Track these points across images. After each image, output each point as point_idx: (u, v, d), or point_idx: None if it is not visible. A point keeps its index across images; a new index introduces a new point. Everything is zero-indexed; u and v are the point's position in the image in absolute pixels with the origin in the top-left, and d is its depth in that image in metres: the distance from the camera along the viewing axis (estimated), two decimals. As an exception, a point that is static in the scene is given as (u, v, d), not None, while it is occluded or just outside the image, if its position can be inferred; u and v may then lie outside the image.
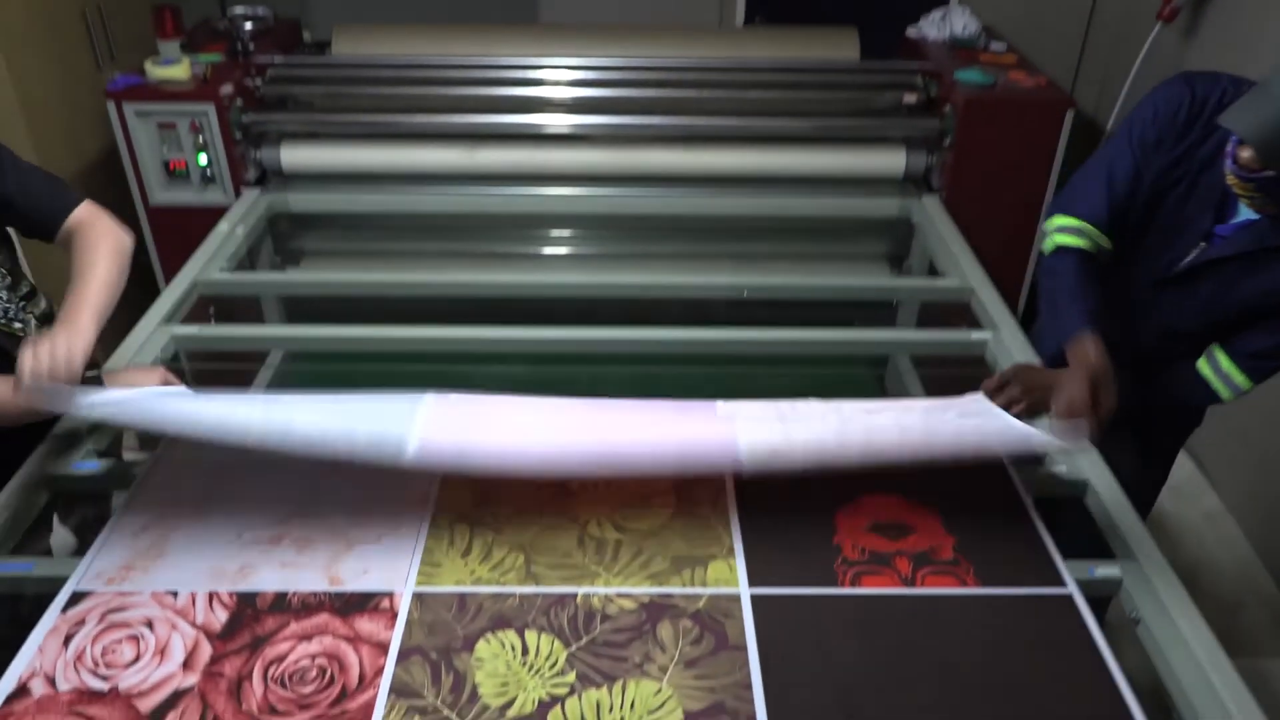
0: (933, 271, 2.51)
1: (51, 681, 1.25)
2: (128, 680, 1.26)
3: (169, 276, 2.27)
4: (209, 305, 2.20)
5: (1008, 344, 1.99)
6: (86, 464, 1.61)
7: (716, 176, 2.79)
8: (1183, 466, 2.85)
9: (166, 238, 2.81)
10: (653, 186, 2.80)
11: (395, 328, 2.07)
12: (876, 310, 2.72)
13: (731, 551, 1.46)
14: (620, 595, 1.39)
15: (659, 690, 1.27)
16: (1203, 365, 1.65)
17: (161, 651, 1.29)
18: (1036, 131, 2.67)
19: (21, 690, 1.24)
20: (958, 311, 2.25)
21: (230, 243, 2.40)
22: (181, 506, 1.54)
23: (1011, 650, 1.33)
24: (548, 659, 1.30)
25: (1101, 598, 1.47)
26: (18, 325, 1.60)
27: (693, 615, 1.37)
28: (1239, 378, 1.63)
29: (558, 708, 1.24)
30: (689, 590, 1.40)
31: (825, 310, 2.48)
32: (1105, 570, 1.45)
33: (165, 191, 2.76)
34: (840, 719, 1.23)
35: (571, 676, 1.28)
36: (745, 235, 2.90)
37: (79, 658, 1.28)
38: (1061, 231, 1.62)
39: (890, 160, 2.79)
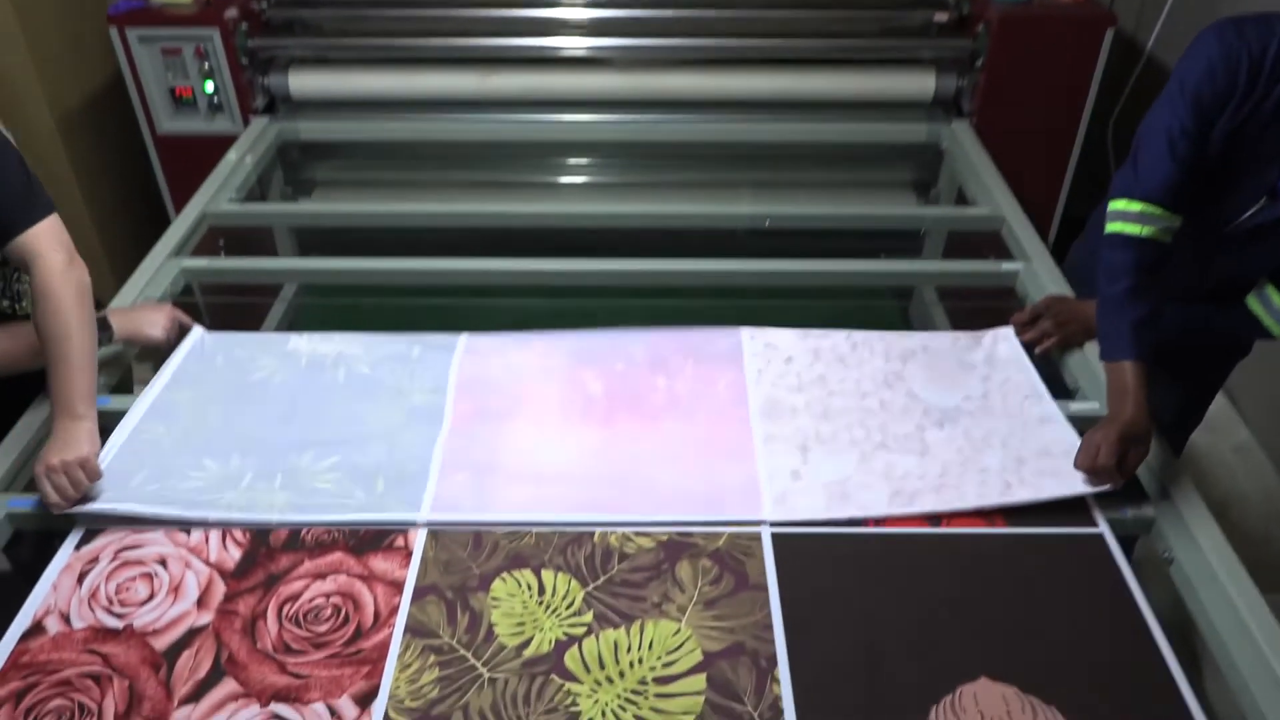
0: (961, 200, 2.43)
1: (66, 619, 1.25)
2: (142, 618, 1.25)
3: (178, 208, 2.21)
4: (219, 237, 2.15)
5: (1040, 275, 1.92)
6: (102, 399, 1.57)
7: (738, 101, 2.68)
8: (1214, 400, 2.79)
9: (175, 168, 2.75)
10: (672, 112, 2.70)
11: (410, 260, 2.03)
12: (903, 240, 2.64)
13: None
14: (638, 534, 1.37)
15: (678, 631, 1.25)
16: (1252, 301, 1.55)
17: (175, 589, 1.28)
18: (1074, 51, 2.54)
19: (37, 628, 1.24)
20: (987, 241, 2.17)
21: (239, 172, 2.34)
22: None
23: (1039, 590, 1.30)
24: (564, 598, 1.28)
25: (1128, 536, 1.44)
26: (5, 303, 1.57)
27: (712, 554, 1.34)
28: None
29: (575, 648, 1.22)
30: (708, 529, 1.37)
31: (850, 240, 2.40)
32: (1138, 510, 1.41)
33: (172, 120, 2.70)
34: (863, 661, 1.21)
35: (589, 616, 1.26)
36: (767, 162, 2.81)
37: (93, 595, 1.27)
38: (1123, 219, 1.47)
39: (919, 83, 2.66)
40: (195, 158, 2.45)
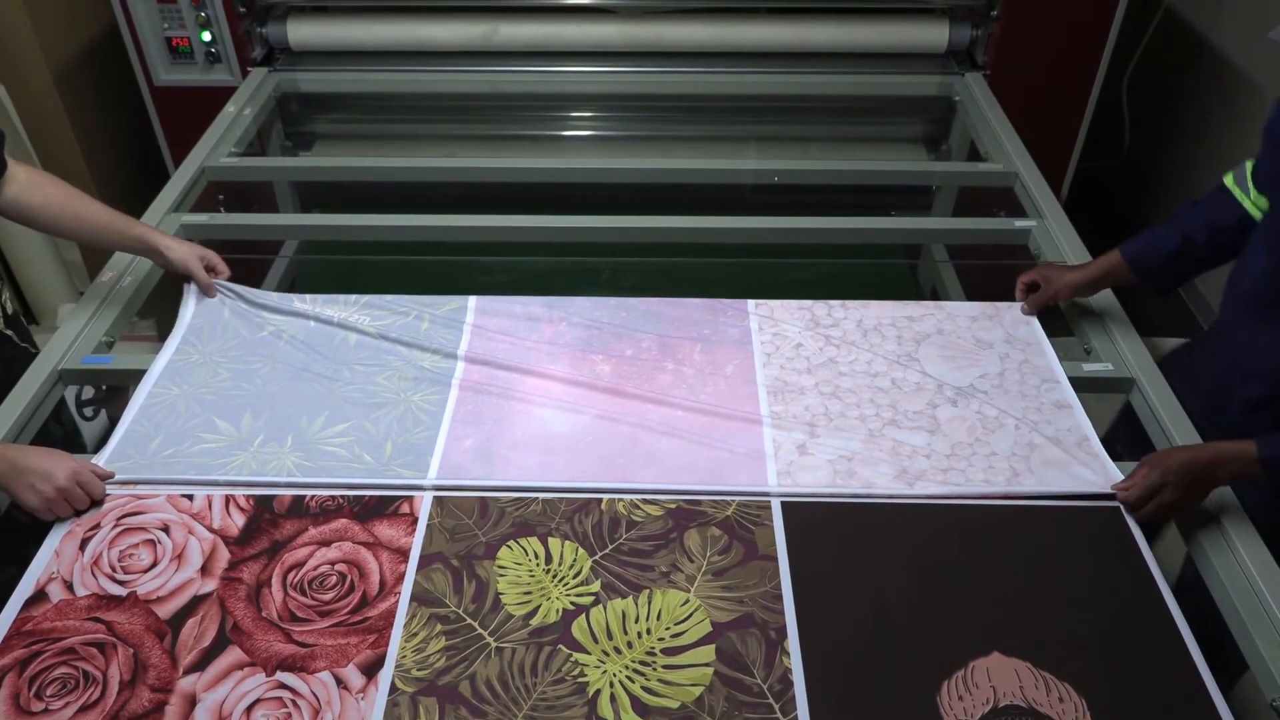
0: (974, 155, 2.37)
1: (69, 586, 1.24)
2: (146, 585, 1.24)
3: (177, 160, 2.17)
4: (218, 192, 2.11)
5: (1053, 233, 1.89)
6: (98, 358, 1.58)
7: (746, 52, 2.61)
8: None
9: (173, 120, 2.69)
10: (679, 64, 2.63)
11: (413, 216, 1.98)
12: (913, 196, 2.58)
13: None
14: (646, 502, 1.35)
15: (686, 601, 1.23)
16: None
17: (179, 557, 1.27)
18: (1091, 3, 2.47)
19: (39, 595, 1.23)
20: (1000, 198, 2.12)
21: (238, 125, 2.29)
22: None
23: (1053, 562, 1.28)
24: (572, 567, 1.27)
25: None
26: None
27: (721, 523, 1.32)
28: None
29: (582, 617, 1.21)
30: (717, 497, 1.35)
31: (859, 196, 2.37)
32: None
33: (169, 71, 2.64)
34: (873, 634, 1.20)
35: (596, 586, 1.25)
36: (776, 116, 2.75)
37: (95, 562, 1.26)
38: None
39: (932, 33, 2.58)
40: (193, 110, 2.41)
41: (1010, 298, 1.72)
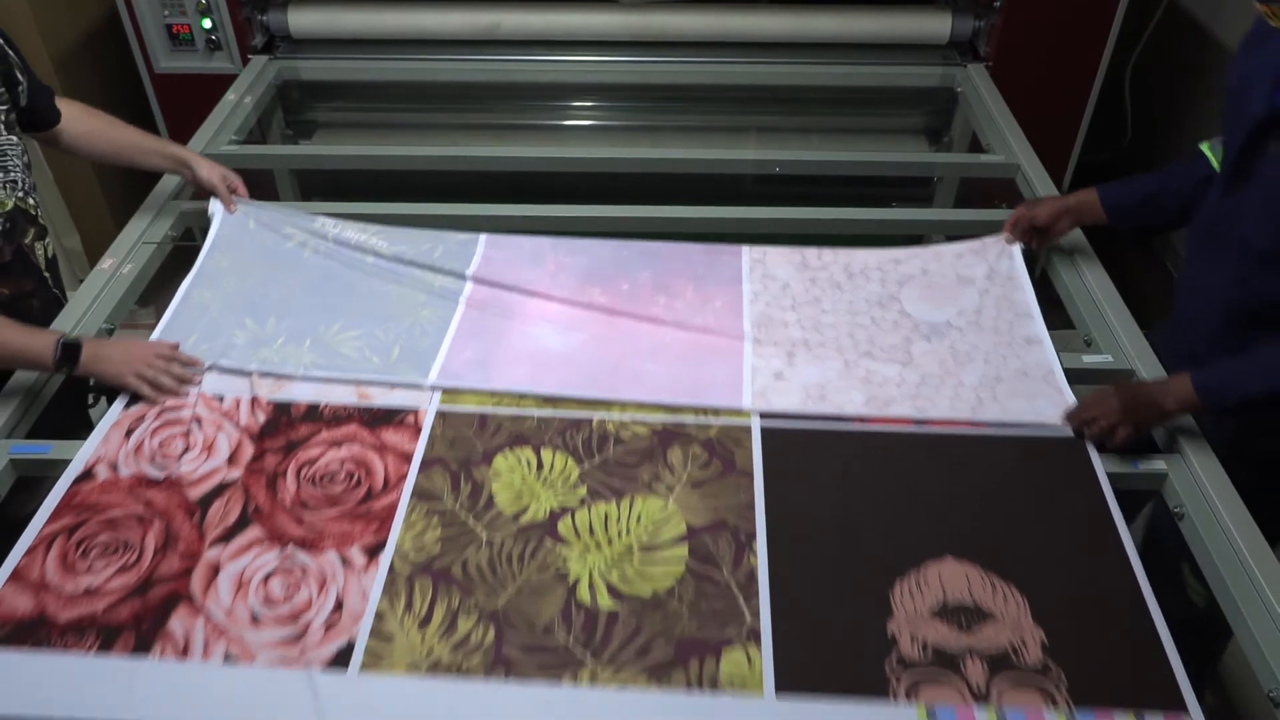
0: (975, 146, 2.36)
1: (114, 467, 1.38)
2: (180, 470, 1.37)
3: None
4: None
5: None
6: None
7: (748, 42, 2.59)
8: None
9: (173, 108, 2.67)
10: (681, 53, 2.61)
11: (414, 204, 1.99)
12: (914, 187, 2.62)
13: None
14: (635, 422, 1.46)
15: (665, 506, 1.34)
16: None
17: (209, 448, 1.40)
18: (1097, -7, 2.43)
19: (88, 474, 1.36)
20: (1001, 189, 2.13)
21: (238, 114, 2.27)
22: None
23: (1013, 485, 1.37)
24: (561, 474, 1.38)
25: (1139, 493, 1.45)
26: (32, 201, 1.64)
27: (704, 443, 1.43)
28: None
29: (567, 517, 1.32)
30: (701, 420, 1.46)
31: (860, 186, 2.38)
32: (1150, 464, 1.41)
33: (170, 59, 2.61)
34: (836, 540, 1.29)
35: (583, 491, 1.36)
36: (777, 106, 2.72)
37: (138, 449, 1.40)
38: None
39: (935, 24, 2.56)
40: (193, 98, 2.40)
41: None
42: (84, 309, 1.66)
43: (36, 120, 1.66)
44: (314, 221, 1.80)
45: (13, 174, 1.57)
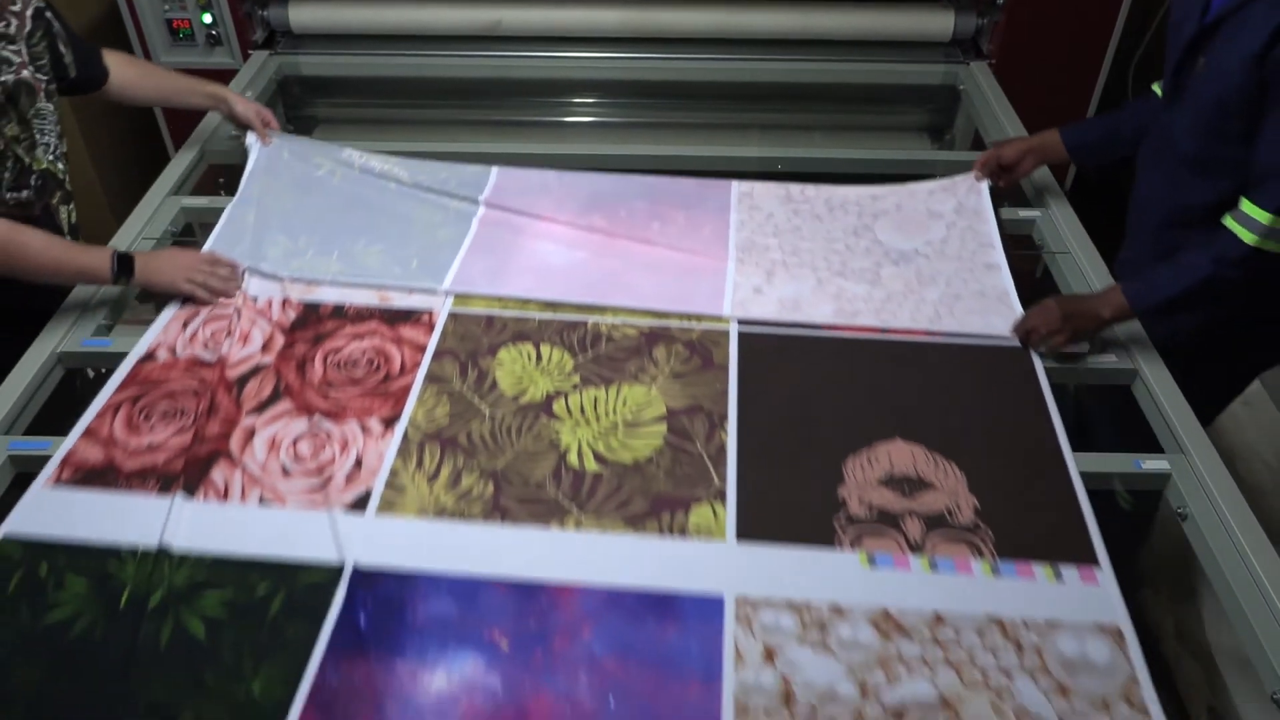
0: (978, 144, 2.34)
1: (173, 351, 1.56)
2: (223, 354, 1.55)
3: (177, 144, 2.18)
4: (219, 175, 2.08)
5: (1057, 222, 1.90)
6: (97, 340, 1.62)
7: (750, 38, 2.60)
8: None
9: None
10: (683, 50, 2.61)
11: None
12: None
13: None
14: (625, 325, 1.63)
15: (648, 393, 1.51)
16: (1226, 217, 1.49)
17: (245, 337, 1.59)
18: (1100, -9, 2.45)
19: (150, 356, 1.55)
20: (1006, 195, 2.05)
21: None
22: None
23: (963, 384, 1.53)
24: (558, 365, 1.55)
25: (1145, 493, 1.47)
26: (61, 166, 1.73)
27: (686, 343, 1.60)
28: (1252, 209, 1.44)
29: (561, 399, 1.49)
30: (685, 325, 1.63)
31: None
32: (1153, 464, 1.41)
33: (170, 54, 2.63)
34: (798, 423, 1.46)
35: (576, 379, 1.53)
36: (779, 103, 2.71)
37: (193, 338, 1.59)
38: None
39: (937, 21, 2.57)
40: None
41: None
42: (83, 305, 1.67)
43: (86, 84, 1.78)
44: (341, 152, 1.99)
45: (47, 137, 1.66)
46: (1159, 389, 1.53)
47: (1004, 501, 1.35)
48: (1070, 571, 1.25)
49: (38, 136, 1.65)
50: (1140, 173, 1.72)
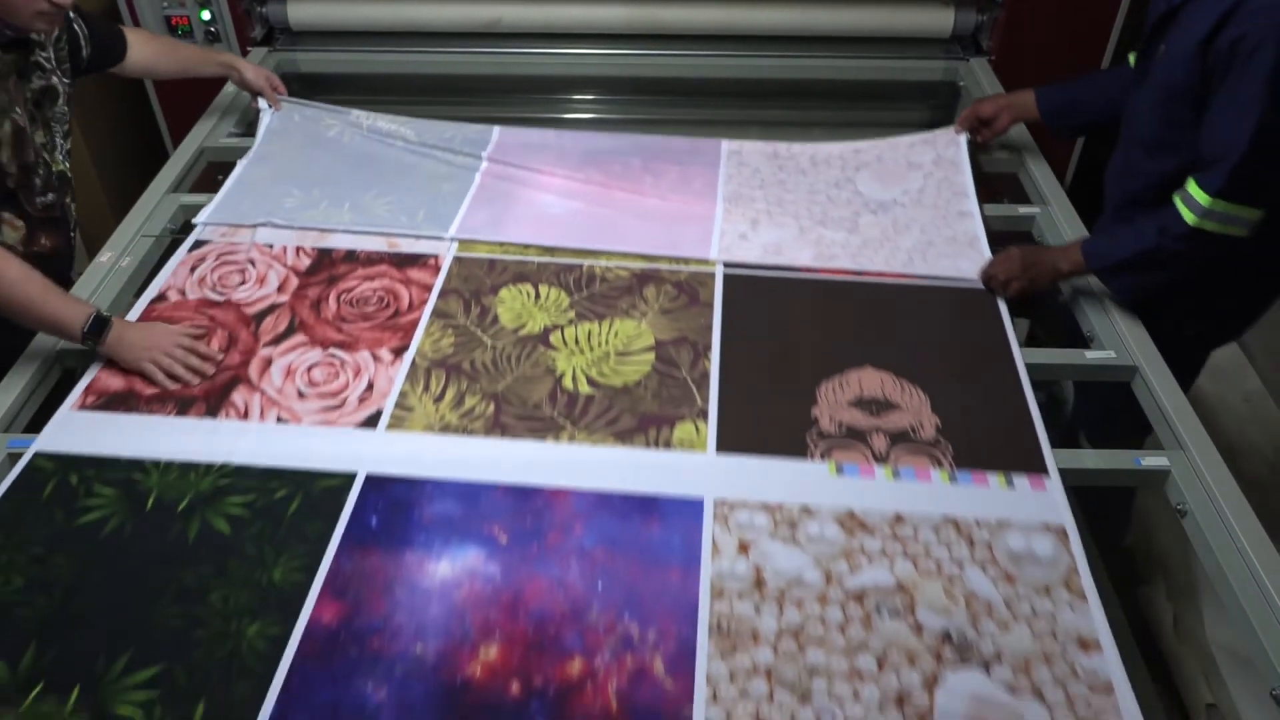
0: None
1: (182, 293, 1.67)
2: (237, 295, 1.67)
3: (176, 141, 2.20)
4: (217, 173, 2.05)
5: (1057, 219, 1.90)
6: None
7: (749, 35, 2.59)
8: (1223, 348, 2.56)
9: (172, 100, 2.64)
10: (682, 46, 2.60)
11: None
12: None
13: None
14: (618, 267, 1.75)
15: (638, 326, 1.62)
16: (1175, 194, 1.56)
17: (261, 280, 1.70)
18: (1100, -13, 2.40)
19: (161, 297, 1.67)
20: (1004, 184, 2.11)
21: (238, 105, 2.27)
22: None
23: (932, 320, 1.65)
24: (555, 302, 1.67)
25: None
26: (68, 165, 1.73)
27: (674, 283, 1.71)
28: (1195, 191, 1.51)
29: (558, 332, 1.61)
30: (674, 267, 1.75)
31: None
32: (1153, 460, 1.41)
33: None
34: (776, 353, 1.57)
35: (571, 314, 1.65)
36: (778, 99, 2.69)
37: (201, 281, 1.70)
38: (1230, 221, 1.50)
39: (937, 17, 2.53)
40: (193, 90, 2.34)
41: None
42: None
43: (106, 60, 1.83)
44: (350, 114, 2.11)
45: (60, 139, 1.69)
46: (1159, 386, 1.53)
47: (964, 421, 1.46)
48: (1021, 480, 1.37)
49: (57, 139, 1.68)
50: (1115, 148, 1.81)
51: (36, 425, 1.48)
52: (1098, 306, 1.70)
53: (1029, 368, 1.55)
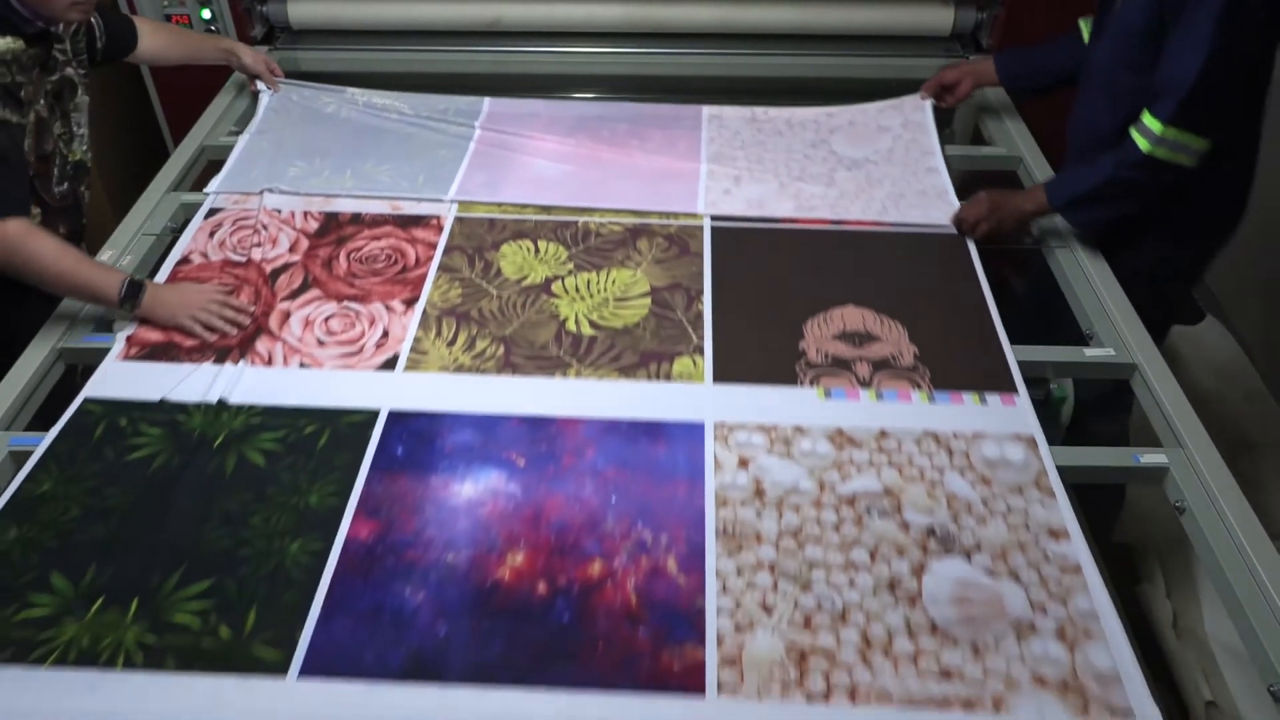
0: (978, 139, 2.36)
1: (205, 255, 1.76)
2: (256, 255, 1.76)
3: (177, 140, 2.22)
4: (217, 171, 2.04)
5: (1056, 218, 1.84)
6: (98, 336, 1.62)
7: (750, 33, 2.60)
8: (1225, 346, 2.67)
9: (173, 99, 2.66)
10: (683, 45, 2.62)
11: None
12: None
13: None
14: (612, 223, 1.86)
15: (634, 275, 1.74)
16: (1131, 127, 1.66)
17: (274, 241, 1.79)
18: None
19: (184, 260, 1.76)
20: (1004, 181, 2.11)
21: (238, 104, 2.28)
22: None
23: (908, 262, 1.78)
24: (554, 256, 1.78)
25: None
26: (89, 155, 1.81)
27: (665, 236, 1.83)
28: (1149, 120, 1.62)
29: (559, 281, 1.72)
30: (664, 221, 1.86)
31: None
32: (1151, 458, 1.41)
33: None
34: (764, 295, 1.69)
35: (570, 266, 1.75)
36: (779, 98, 2.54)
37: (221, 244, 1.79)
38: (1179, 150, 1.61)
39: (937, 15, 2.52)
40: (193, 88, 2.37)
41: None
42: (85, 301, 1.64)
43: (119, 51, 1.89)
44: (345, 93, 2.21)
45: (81, 129, 1.76)
46: (1158, 383, 1.53)
47: (940, 349, 1.59)
48: (993, 397, 1.50)
49: (74, 129, 1.74)
50: (1075, 105, 1.94)
51: (36, 424, 1.51)
52: (1095, 304, 1.70)
53: (1027, 364, 1.58)
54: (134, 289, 1.55)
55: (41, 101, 1.64)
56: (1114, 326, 1.65)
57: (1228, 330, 2.60)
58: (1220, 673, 1.55)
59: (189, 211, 1.92)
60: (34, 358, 1.56)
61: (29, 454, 1.40)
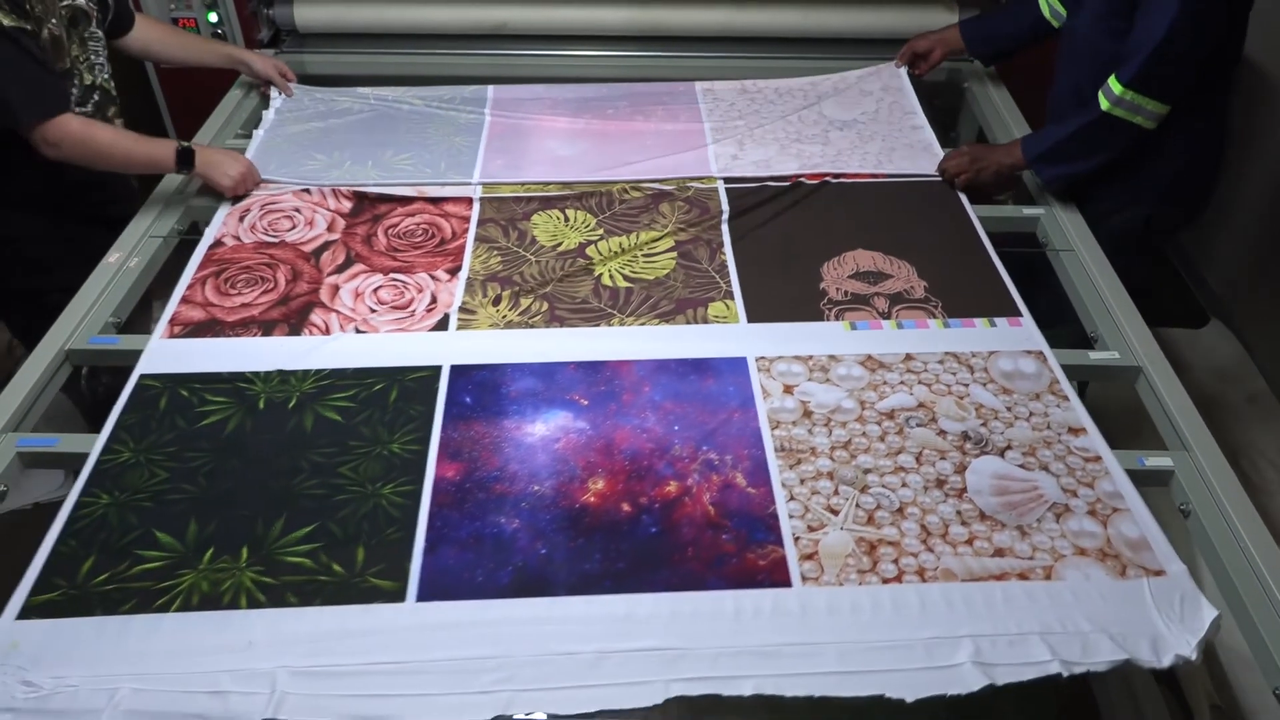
0: (981, 142, 2.33)
1: (238, 237, 1.83)
2: (290, 237, 1.83)
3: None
4: None
5: (1061, 221, 1.92)
6: (105, 338, 1.63)
7: (754, 37, 2.63)
8: (1227, 349, 2.73)
9: (179, 102, 2.70)
10: (687, 48, 2.64)
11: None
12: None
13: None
14: (634, 189, 1.97)
15: (660, 234, 1.85)
16: (1100, 93, 1.77)
17: (310, 222, 1.87)
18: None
19: (218, 243, 1.82)
20: (1008, 186, 2.14)
21: (244, 108, 2.30)
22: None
23: (908, 209, 1.92)
24: (584, 223, 1.88)
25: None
26: (112, 81, 1.92)
27: (684, 199, 1.95)
28: (1112, 80, 1.74)
29: (591, 245, 1.83)
30: (681, 187, 1.98)
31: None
32: (1156, 460, 1.42)
33: None
34: (782, 243, 1.82)
35: (600, 231, 1.86)
36: None
37: (252, 227, 1.86)
38: (1136, 111, 1.74)
39: (939, 19, 2.54)
40: (199, 91, 2.38)
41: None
42: (91, 302, 1.66)
43: (116, 27, 1.95)
44: (356, 91, 2.29)
45: (100, 58, 1.87)
46: (1163, 386, 1.53)
47: (947, 282, 1.74)
48: (1001, 320, 1.65)
49: (93, 57, 1.86)
50: (1056, 73, 2.07)
51: (44, 425, 1.53)
52: (1100, 307, 1.71)
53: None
54: (187, 155, 1.78)
55: (55, 20, 1.73)
56: (1118, 330, 1.65)
57: (1231, 333, 2.70)
58: (1226, 675, 1.56)
59: (195, 215, 1.94)
60: (41, 359, 1.56)
61: (36, 455, 1.42)
